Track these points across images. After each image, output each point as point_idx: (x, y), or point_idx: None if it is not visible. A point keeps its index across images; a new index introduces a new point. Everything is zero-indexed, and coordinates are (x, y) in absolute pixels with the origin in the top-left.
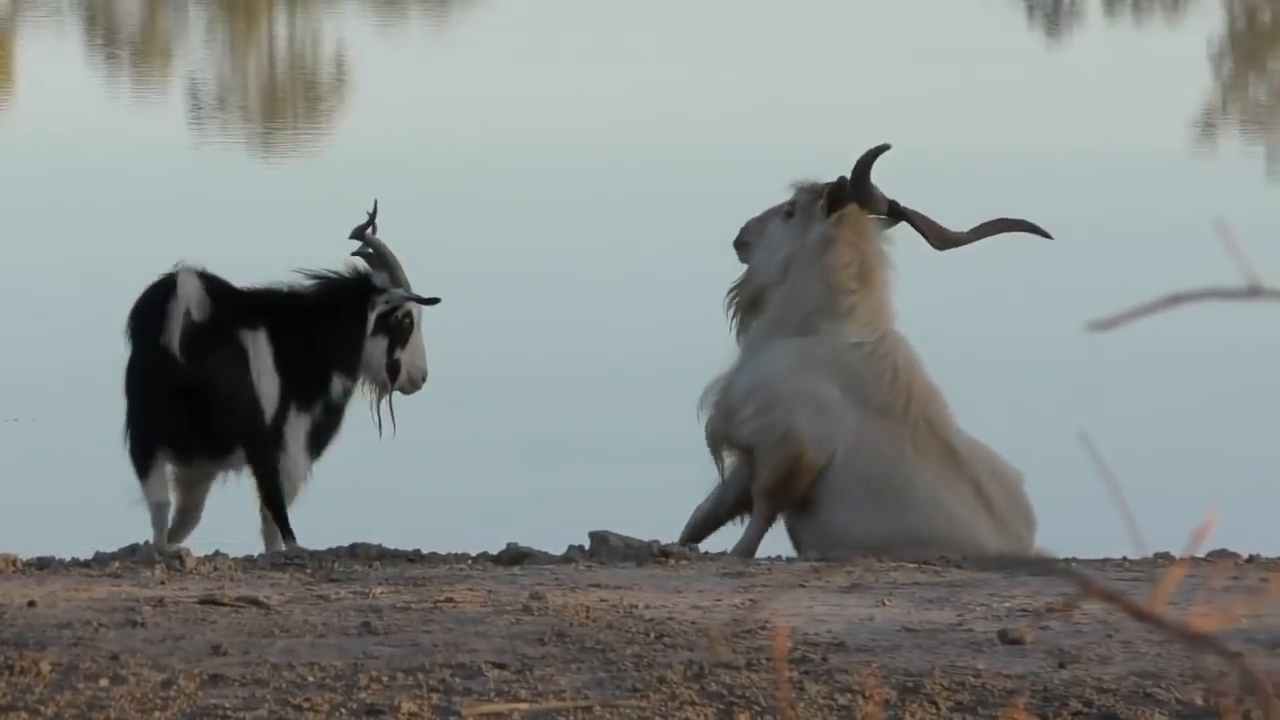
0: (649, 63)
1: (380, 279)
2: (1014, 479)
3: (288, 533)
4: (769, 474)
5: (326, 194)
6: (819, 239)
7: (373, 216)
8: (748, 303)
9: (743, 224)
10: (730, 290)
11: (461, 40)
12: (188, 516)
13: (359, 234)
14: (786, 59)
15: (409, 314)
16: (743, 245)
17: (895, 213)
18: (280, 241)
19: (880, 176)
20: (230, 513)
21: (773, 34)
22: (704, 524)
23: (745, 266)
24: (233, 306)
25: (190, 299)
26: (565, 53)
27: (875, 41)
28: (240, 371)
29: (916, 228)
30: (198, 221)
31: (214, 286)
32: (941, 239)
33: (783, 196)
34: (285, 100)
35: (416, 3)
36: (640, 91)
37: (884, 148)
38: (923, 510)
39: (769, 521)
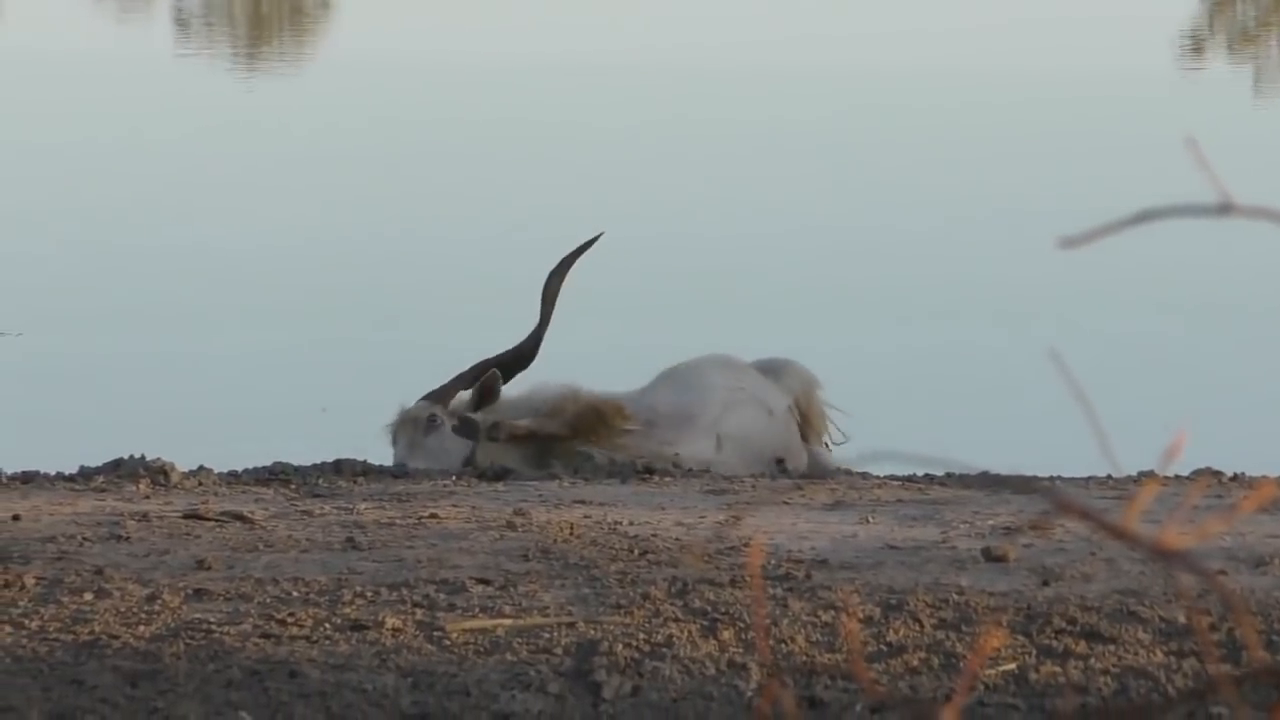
0: None
1: None
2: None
3: None
4: None
5: (311, 110)
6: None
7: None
8: None
9: None
10: None
11: None
12: None
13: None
14: None
15: None
16: None
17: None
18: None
19: (863, 90)
20: (216, 428)
21: None
22: None
23: None
24: None
25: None
26: None
27: None
28: None
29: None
30: (180, 136)
31: None
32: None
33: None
34: (271, 16)
35: None
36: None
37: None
38: None
39: None
